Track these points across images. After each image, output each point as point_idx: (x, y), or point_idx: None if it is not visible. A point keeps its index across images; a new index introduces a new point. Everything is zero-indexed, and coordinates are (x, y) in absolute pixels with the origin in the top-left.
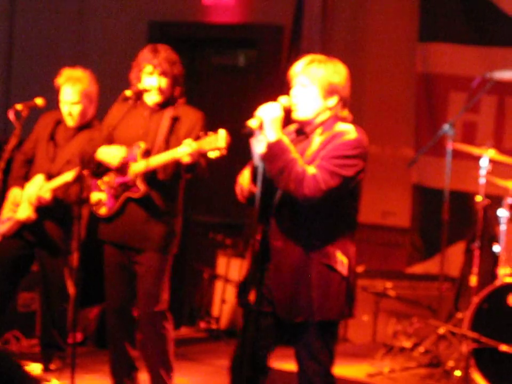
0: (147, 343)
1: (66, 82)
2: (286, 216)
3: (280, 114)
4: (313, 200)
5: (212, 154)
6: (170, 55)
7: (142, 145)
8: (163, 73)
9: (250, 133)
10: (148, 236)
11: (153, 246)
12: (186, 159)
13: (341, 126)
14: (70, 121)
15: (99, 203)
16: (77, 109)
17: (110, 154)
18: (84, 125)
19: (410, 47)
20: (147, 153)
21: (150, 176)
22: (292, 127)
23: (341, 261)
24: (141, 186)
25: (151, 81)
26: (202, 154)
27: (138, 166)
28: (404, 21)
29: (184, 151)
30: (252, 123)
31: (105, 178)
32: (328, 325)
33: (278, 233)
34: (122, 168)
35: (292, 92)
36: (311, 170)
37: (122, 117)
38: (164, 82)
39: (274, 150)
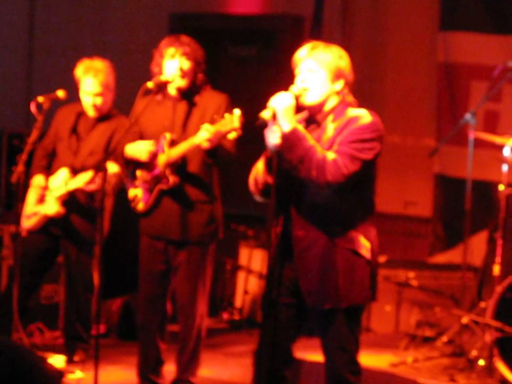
0: (182, 335)
1: (87, 73)
2: (306, 205)
3: (293, 103)
4: (336, 185)
5: (230, 136)
6: (191, 41)
7: (168, 136)
8: (185, 55)
9: (264, 124)
10: (186, 227)
11: (192, 237)
12: (205, 145)
13: (353, 111)
14: (93, 112)
15: (135, 199)
16: (100, 100)
17: (137, 149)
18: (104, 116)
19: (431, 37)
20: (174, 144)
21: (179, 166)
22: (300, 116)
23: (364, 245)
24: (171, 178)
25: (173, 64)
26: (223, 137)
27: (163, 158)
28: (424, 11)
29: (202, 136)
30: (265, 114)
31: (138, 173)
32: (354, 311)
33: (299, 222)
34: (152, 162)
35: (299, 77)
36: (331, 155)
37: (143, 110)
38: (186, 64)
39: (291, 139)
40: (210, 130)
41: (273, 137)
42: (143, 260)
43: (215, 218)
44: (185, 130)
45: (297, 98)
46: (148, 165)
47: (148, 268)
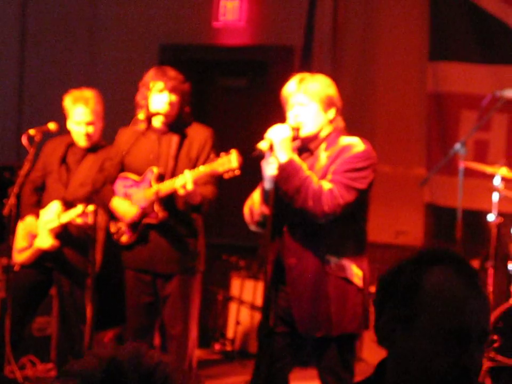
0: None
1: (77, 103)
2: (299, 233)
3: (290, 134)
4: (332, 216)
5: (226, 176)
6: (177, 74)
7: (155, 170)
8: (173, 90)
9: (261, 155)
10: (173, 261)
11: (179, 270)
12: (181, 191)
13: (346, 140)
14: (84, 142)
15: (119, 231)
16: (92, 128)
17: (122, 209)
18: (94, 146)
19: (421, 66)
20: (161, 178)
21: (167, 201)
22: (293, 145)
23: (356, 273)
24: (160, 213)
25: (161, 98)
26: (214, 177)
27: (150, 192)
28: (414, 40)
29: (179, 182)
30: (262, 145)
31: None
32: (347, 339)
33: (291, 250)
34: (132, 225)
35: (291, 112)
36: (327, 186)
37: (133, 142)
38: (173, 98)
39: (288, 170)
40: (188, 178)
41: (270, 168)
42: (129, 293)
43: (199, 251)
44: (173, 164)
45: (294, 130)
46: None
47: (135, 300)
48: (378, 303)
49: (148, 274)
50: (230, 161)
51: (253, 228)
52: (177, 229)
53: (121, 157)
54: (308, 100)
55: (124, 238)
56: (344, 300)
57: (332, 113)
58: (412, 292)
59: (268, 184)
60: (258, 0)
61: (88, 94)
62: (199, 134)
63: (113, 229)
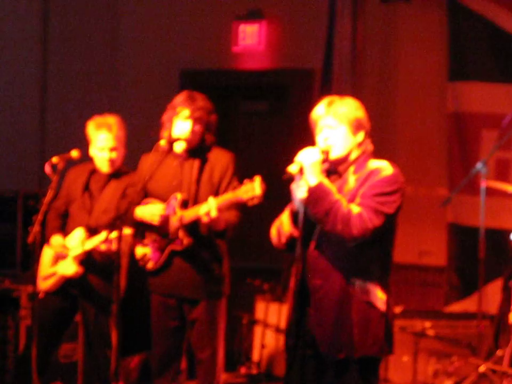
0: None
1: (100, 129)
2: (325, 254)
3: (320, 158)
4: (361, 240)
5: (250, 203)
6: (206, 104)
7: (179, 196)
8: (198, 120)
9: (291, 179)
10: (199, 286)
11: (204, 294)
12: (205, 219)
13: (375, 163)
14: (108, 168)
15: (144, 258)
16: (115, 155)
17: (150, 213)
18: (116, 172)
19: (441, 87)
20: (185, 204)
21: (192, 227)
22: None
23: (380, 297)
24: (185, 239)
25: (184, 125)
26: (238, 203)
27: (175, 219)
28: (433, 61)
29: (204, 209)
30: (292, 168)
31: (148, 233)
32: (369, 362)
33: (316, 271)
34: (164, 224)
35: (320, 136)
36: (356, 209)
37: (156, 168)
38: (197, 128)
39: (317, 194)
40: (212, 205)
41: (300, 191)
42: (156, 317)
43: (224, 275)
44: (196, 189)
45: (323, 153)
46: (157, 225)
47: (161, 325)
48: None
49: (174, 299)
50: (253, 189)
51: (281, 249)
52: (202, 254)
53: (144, 183)
54: (336, 123)
55: (150, 264)
56: (367, 324)
57: (360, 136)
58: None
59: (297, 207)
60: (277, 24)
61: (111, 120)
62: (220, 158)
63: (139, 254)
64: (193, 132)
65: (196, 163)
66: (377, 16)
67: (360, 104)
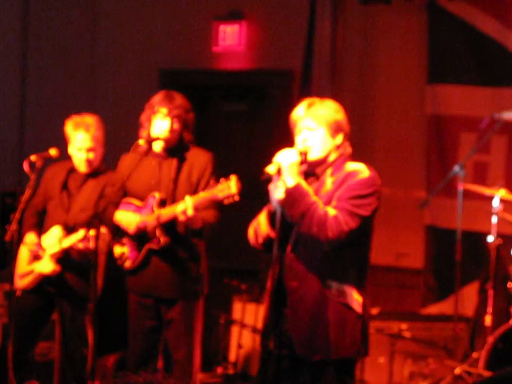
0: None
1: (78, 129)
2: (302, 256)
3: (298, 159)
4: (336, 242)
5: (226, 201)
6: (184, 102)
7: (157, 195)
8: (176, 118)
9: (269, 179)
10: (175, 285)
11: (182, 294)
12: (181, 217)
13: (351, 165)
14: (85, 168)
15: (122, 256)
16: (92, 155)
17: (127, 221)
18: (94, 171)
19: (420, 89)
20: (163, 203)
21: (169, 226)
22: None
23: (357, 299)
24: (162, 238)
25: (163, 124)
26: (215, 202)
27: (152, 218)
28: (412, 64)
29: (180, 208)
30: (270, 169)
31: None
32: (345, 364)
33: (293, 273)
34: (139, 232)
35: (299, 137)
36: (332, 212)
37: (133, 168)
38: (175, 126)
39: (295, 195)
40: (188, 204)
41: (277, 192)
42: (132, 317)
43: (201, 275)
44: (174, 188)
45: (302, 154)
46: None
47: (138, 324)
48: None
49: (151, 299)
50: (229, 187)
51: (258, 249)
52: (179, 253)
53: (122, 182)
54: (316, 125)
55: (128, 263)
56: (344, 326)
57: (339, 138)
58: None
59: (274, 208)
60: (257, 25)
61: (89, 120)
62: (199, 158)
63: (117, 253)
64: (171, 130)
65: (174, 162)
66: (357, 17)
67: (340, 107)
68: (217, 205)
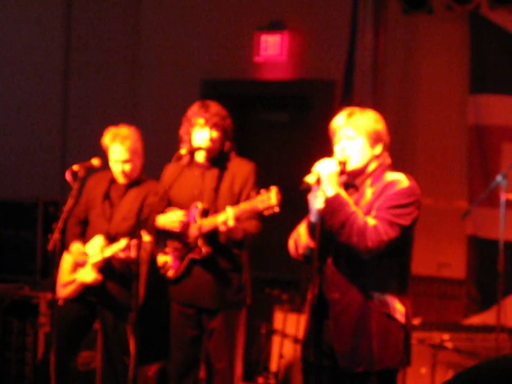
0: None
1: (114, 141)
2: (343, 268)
3: (337, 169)
4: (376, 252)
5: (266, 213)
6: (220, 110)
7: (200, 205)
8: (214, 126)
9: (308, 189)
10: (217, 296)
11: (224, 305)
12: (222, 228)
13: (391, 175)
14: (123, 179)
15: (165, 265)
16: (128, 167)
17: (170, 220)
18: (134, 181)
19: (462, 99)
20: (205, 213)
21: (211, 236)
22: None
23: (399, 309)
24: (203, 248)
25: (202, 134)
26: (256, 213)
27: (195, 227)
28: (454, 74)
29: (221, 218)
30: (310, 179)
31: (169, 242)
32: (387, 375)
33: (335, 285)
34: (184, 231)
35: (339, 146)
36: (371, 221)
37: (176, 177)
38: (215, 134)
39: (334, 205)
40: (230, 214)
41: (317, 202)
42: (174, 326)
43: (244, 285)
44: (215, 198)
45: (341, 164)
46: (178, 233)
47: (180, 334)
48: None
49: (192, 308)
50: (269, 198)
51: (299, 260)
52: (221, 263)
53: (165, 191)
54: (355, 134)
55: (170, 273)
56: (387, 336)
57: (378, 148)
58: None
59: (314, 218)
60: (299, 35)
61: (125, 131)
62: (241, 168)
63: (160, 262)
64: (211, 139)
65: (216, 172)
66: (399, 27)
67: (380, 117)
68: (260, 215)
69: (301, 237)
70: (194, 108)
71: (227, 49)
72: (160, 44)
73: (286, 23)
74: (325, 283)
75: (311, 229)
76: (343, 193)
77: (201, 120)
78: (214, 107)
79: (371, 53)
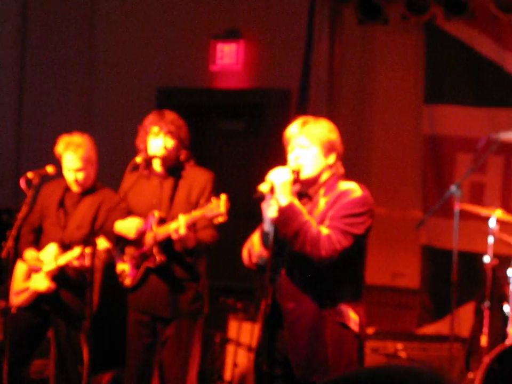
0: None
1: (67, 150)
2: (297, 277)
3: (290, 178)
4: (329, 260)
5: (216, 220)
6: (176, 118)
7: (156, 214)
8: (169, 134)
9: (262, 197)
10: (172, 304)
11: (179, 314)
12: (174, 236)
13: (344, 185)
14: (76, 188)
15: (123, 273)
16: (81, 175)
17: (126, 227)
18: (89, 189)
19: (417, 109)
20: (162, 222)
21: (166, 244)
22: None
23: (353, 318)
24: (157, 256)
25: (157, 142)
26: (211, 221)
27: (151, 235)
28: (409, 83)
29: (173, 226)
30: (263, 187)
31: (127, 250)
32: None
33: (289, 294)
34: (140, 239)
35: (292, 154)
36: (324, 231)
37: (134, 186)
38: (170, 143)
39: (288, 214)
40: (181, 222)
41: (270, 211)
42: (130, 333)
43: (200, 294)
44: (171, 207)
45: (294, 172)
46: (137, 241)
47: (135, 341)
48: None
49: (148, 316)
50: (218, 207)
51: (252, 269)
52: (177, 272)
53: (122, 199)
54: (309, 143)
55: (128, 281)
56: (341, 345)
57: (332, 158)
58: None
59: (267, 226)
60: (255, 44)
61: (78, 139)
62: (199, 177)
63: (118, 270)
64: (166, 147)
65: (175, 181)
66: (355, 37)
67: (333, 127)
68: (214, 225)
69: (254, 246)
70: (150, 117)
71: (183, 57)
72: (115, 51)
73: (242, 32)
74: (279, 293)
75: (264, 238)
76: (296, 202)
77: (155, 129)
78: (169, 115)
79: (327, 62)
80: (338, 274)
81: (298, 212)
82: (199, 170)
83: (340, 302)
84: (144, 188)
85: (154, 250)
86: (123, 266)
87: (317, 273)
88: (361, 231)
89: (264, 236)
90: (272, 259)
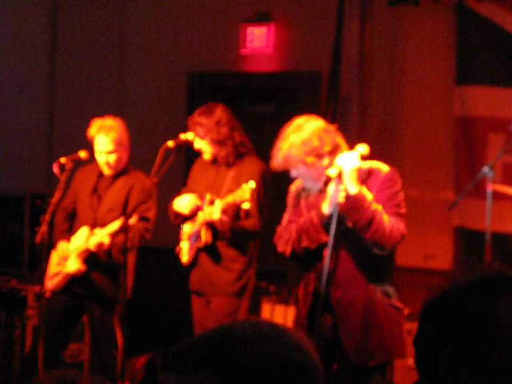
0: None
1: (99, 133)
2: (342, 266)
3: (358, 164)
4: (395, 246)
5: (244, 206)
6: (215, 123)
7: (208, 196)
8: (208, 140)
9: (327, 181)
10: (216, 283)
11: (222, 291)
12: (209, 219)
13: (366, 163)
14: (108, 171)
15: (181, 251)
16: (113, 158)
17: (181, 203)
18: (120, 172)
19: (448, 91)
20: (212, 204)
21: (212, 226)
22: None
23: (398, 299)
24: (204, 237)
25: (198, 144)
26: (258, 210)
27: (201, 217)
28: (441, 65)
29: (208, 211)
30: (331, 172)
31: (185, 228)
32: (385, 364)
33: (335, 283)
34: (194, 215)
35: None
36: (387, 218)
37: (196, 171)
38: (208, 149)
39: (358, 203)
40: (216, 207)
41: (339, 196)
42: (195, 314)
43: (245, 278)
44: (220, 193)
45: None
46: (194, 220)
47: (201, 321)
48: (436, 335)
49: (200, 296)
50: (244, 193)
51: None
52: (223, 254)
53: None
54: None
55: (185, 258)
56: (396, 326)
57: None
58: (486, 324)
59: (330, 209)
60: (285, 26)
61: (110, 122)
62: (249, 167)
63: (179, 247)
64: (206, 151)
65: (228, 169)
66: (385, 19)
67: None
68: (259, 213)
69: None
70: (193, 118)
71: (213, 41)
72: (146, 35)
73: (272, 15)
74: (325, 280)
75: (326, 221)
76: (364, 191)
77: (191, 134)
78: (211, 120)
79: (357, 45)
80: (379, 257)
81: (368, 201)
82: (253, 160)
83: (387, 284)
84: (205, 173)
85: (202, 231)
86: (182, 244)
87: (364, 258)
88: (405, 210)
89: (325, 219)
90: (315, 248)
